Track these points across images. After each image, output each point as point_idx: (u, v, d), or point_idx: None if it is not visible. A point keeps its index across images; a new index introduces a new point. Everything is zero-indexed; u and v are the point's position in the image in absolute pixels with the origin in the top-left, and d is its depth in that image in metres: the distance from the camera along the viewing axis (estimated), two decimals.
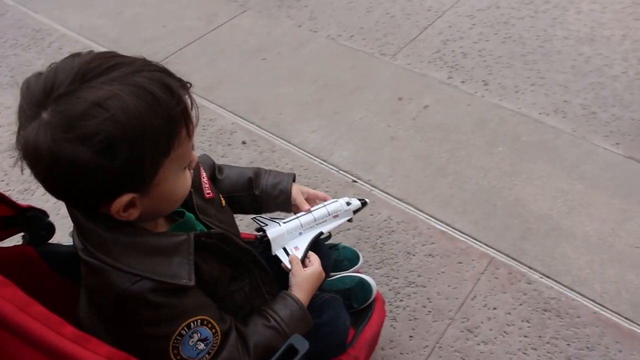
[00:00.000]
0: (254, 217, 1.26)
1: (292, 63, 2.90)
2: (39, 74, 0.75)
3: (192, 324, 0.87)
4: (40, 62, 3.02)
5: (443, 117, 2.51)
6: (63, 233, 1.15)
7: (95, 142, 0.71)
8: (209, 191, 1.11)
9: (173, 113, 0.77)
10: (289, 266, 1.15)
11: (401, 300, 1.84)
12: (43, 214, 1.07)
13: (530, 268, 1.91)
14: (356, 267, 1.70)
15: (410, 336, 1.75)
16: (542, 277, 1.88)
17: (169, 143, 0.78)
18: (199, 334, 0.87)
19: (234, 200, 1.26)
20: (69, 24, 3.31)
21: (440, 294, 1.85)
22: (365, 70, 2.82)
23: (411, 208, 2.13)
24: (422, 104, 2.58)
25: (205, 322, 0.88)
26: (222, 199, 1.16)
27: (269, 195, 1.27)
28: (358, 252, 1.74)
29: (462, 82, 2.71)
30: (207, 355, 0.89)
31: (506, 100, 2.58)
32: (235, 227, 1.18)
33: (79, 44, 3.14)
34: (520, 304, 1.82)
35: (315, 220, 1.23)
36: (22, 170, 0.79)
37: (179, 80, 0.81)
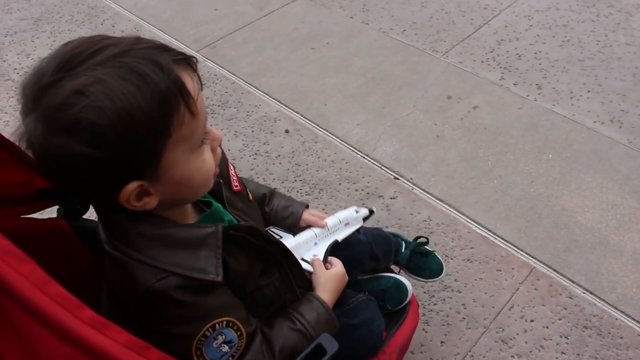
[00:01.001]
0: (268, 229, 1.24)
1: (341, 54, 2.86)
2: (34, 69, 0.71)
3: (217, 325, 0.83)
4: None
5: (492, 119, 2.44)
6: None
7: (78, 132, 0.67)
8: (237, 184, 1.07)
9: (165, 91, 0.70)
10: (311, 269, 1.14)
11: (435, 304, 1.79)
12: None
13: (573, 282, 1.84)
14: (435, 279, 1.73)
15: (442, 342, 1.70)
16: (584, 292, 1.81)
17: (165, 123, 0.71)
18: (223, 336, 0.84)
19: None
20: (123, 3, 3.35)
21: (476, 301, 1.80)
22: (416, 66, 2.76)
23: (452, 210, 2.07)
24: (472, 104, 2.51)
25: (230, 324, 0.85)
26: (249, 193, 1.13)
27: (279, 215, 1.25)
28: (444, 266, 1.73)
29: (515, 84, 2.62)
30: (230, 358, 0.86)
31: (559, 106, 2.49)
32: (261, 222, 1.16)
33: (131, 23, 3.17)
34: (560, 319, 1.75)
35: (328, 229, 1.24)
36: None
37: (177, 54, 0.74)
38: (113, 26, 3.14)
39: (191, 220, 0.93)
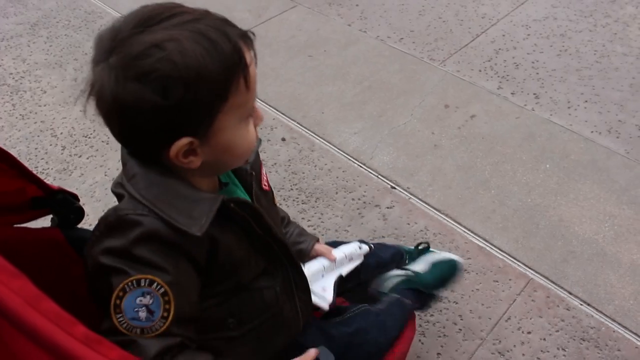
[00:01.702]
0: None
1: (339, 62, 2.85)
2: (111, 25, 0.78)
3: (155, 283, 0.78)
4: (89, 43, 3.04)
5: (490, 128, 2.43)
6: (95, 216, 1.13)
7: (150, 80, 0.73)
8: (266, 184, 1.10)
9: (230, 59, 0.76)
10: (320, 304, 1.18)
11: (431, 315, 1.77)
12: (73, 197, 1.06)
13: (570, 293, 1.82)
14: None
15: (438, 353, 1.69)
16: (582, 304, 1.80)
17: (225, 87, 0.77)
18: (151, 301, 0.78)
19: None
20: (120, 8, 3.33)
21: (472, 312, 1.78)
22: (413, 74, 2.75)
23: (449, 220, 2.06)
24: (469, 114, 2.51)
25: (166, 298, 0.79)
26: (274, 197, 1.15)
27: (292, 239, 1.27)
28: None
29: (512, 93, 2.62)
30: (137, 330, 0.78)
31: (557, 116, 2.49)
32: (280, 227, 1.16)
33: None
34: (557, 331, 1.74)
35: (335, 263, 1.27)
36: (84, 110, 0.82)
37: (240, 30, 0.80)
38: None
39: (208, 189, 0.94)
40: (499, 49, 2.90)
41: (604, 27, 3.02)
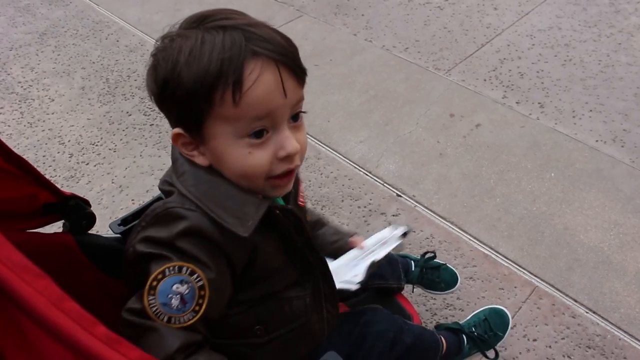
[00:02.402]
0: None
1: (345, 71, 2.87)
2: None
3: (194, 272, 0.79)
4: (96, 52, 3.08)
5: (495, 137, 2.44)
6: (102, 223, 1.15)
7: (153, 64, 0.83)
8: (302, 200, 1.09)
9: (218, 66, 0.76)
10: (352, 287, 1.15)
11: (438, 322, 1.78)
12: (85, 203, 1.07)
13: (576, 301, 1.83)
14: (452, 289, 1.74)
15: None
16: (587, 312, 1.80)
17: (209, 93, 0.77)
18: (187, 289, 0.78)
19: None
20: (127, 18, 3.37)
21: None
22: (418, 83, 2.77)
23: (455, 228, 2.07)
24: (474, 122, 2.52)
25: (202, 290, 0.79)
26: (307, 214, 1.14)
27: (327, 238, 1.26)
28: (458, 275, 1.75)
29: (517, 102, 2.63)
30: (165, 317, 0.78)
31: (562, 125, 2.50)
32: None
33: (135, 38, 3.19)
34: (563, 338, 1.74)
35: (366, 250, 1.23)
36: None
37: (272, 49, 0.79)
38: (117, 40, 3.16)
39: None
40: (504, 58, 2.92)
41: (608, 37, 3.04)
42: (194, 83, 0.77)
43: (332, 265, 1.19)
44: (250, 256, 0.87)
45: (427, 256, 1.69)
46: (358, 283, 1.20)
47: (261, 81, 0.77)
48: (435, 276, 1.70)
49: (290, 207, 0.94)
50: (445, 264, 1.74)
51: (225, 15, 0.81)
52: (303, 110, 0.88)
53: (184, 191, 0.84)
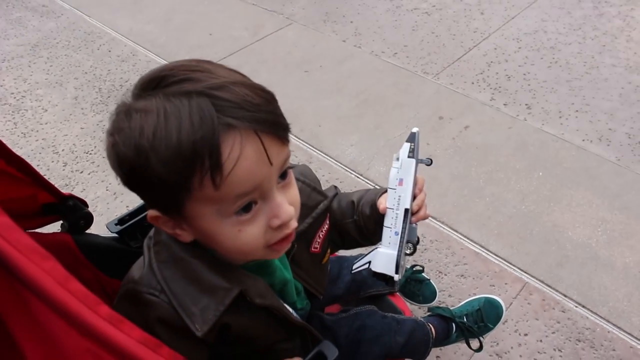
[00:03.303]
0: (352, 271, 1.08)
1: (335, 77, 2.91)
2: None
3: None
4: (89, 63, 3.10)
5: (483, 138, 2.48)
6: (97, 230, 1.17)
7: (112, 145, 0.71)
8: (317, 246, 1.02)
9: (191, 150, 0.64)
10: (396, 277, 1.00)
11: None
12: (83, 203, 1.10)
13: (565, 296, 1.86)
14: (428, 304, 1.77)
15: (437, 356, 1.72)
16: (577, 306, 1.83)
17: (184, 178, 0.66)
18: None
19: (343, 230, 1.13)
20: (119, 28, 3.40)
21: None
22: (407, 87, 2.81)
23: (445, 227, 2.10)
24: (463, 124, 2.56)
25: None
26: (327, 255, 1.08)
27: (364, 216, 1.09)
28: (437, 292, 1.79)
29: (505, 104, 2.68)
30: None
31: (549, 125, 2.54)
32: (322, 285, 1.10)
33: (127, 48, 3.22)
34: (553, 332, 1.77)
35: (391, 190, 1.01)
36: None
37: (251, 117, 0.67)
38: (109, 51, 3.19)
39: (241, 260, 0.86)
40: (491, 61, 2.97)
41: (593, 39, 3.09)
42: (166, 171, 0.66)
43: (380, 258, 1.01)
44: (221, 331, 0.83)
45: (415, 269, 1.73)
46: (397, 282, 1.03)
47: (243, 158, 0.67)
48: (417, 289, 1.75)
49: (259, 301, 0.83)
50: (429, 280, 1.78)
51: (186, 73, 0.68)
52: (290, 165, 0.79)
53: (154, 266, 0.80)
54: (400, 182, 1.00)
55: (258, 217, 0.74)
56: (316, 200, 1.01)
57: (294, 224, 0.78)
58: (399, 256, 0.98)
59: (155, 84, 0.69)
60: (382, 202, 1.02)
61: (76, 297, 0.51)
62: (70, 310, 0.50)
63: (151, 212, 0.76)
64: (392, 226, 0.99)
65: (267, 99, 0.73)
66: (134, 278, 0.82)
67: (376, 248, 1.02)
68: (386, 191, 1.02)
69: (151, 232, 0.87)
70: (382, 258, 1.00)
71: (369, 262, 1.02)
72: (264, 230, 0.75)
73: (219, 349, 0.88)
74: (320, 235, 1.02)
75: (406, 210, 0.99)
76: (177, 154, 0.65)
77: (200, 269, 0.79)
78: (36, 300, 0.51)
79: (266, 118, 0.69)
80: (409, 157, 1.01)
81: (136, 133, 0.66)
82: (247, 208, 0.72)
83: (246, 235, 0.74)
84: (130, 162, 0.68)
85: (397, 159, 1.01)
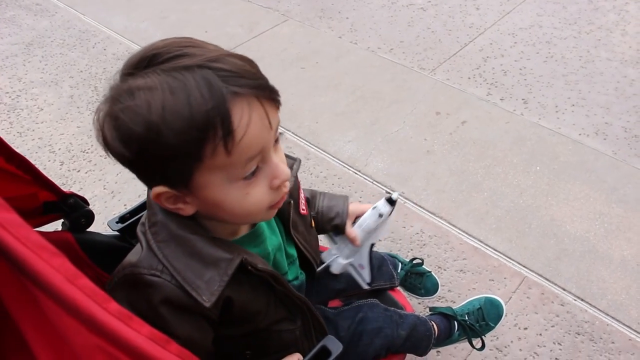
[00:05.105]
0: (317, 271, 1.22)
1: (331, 73, 2.91)
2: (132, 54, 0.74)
3: None
4: (84, 61, 3.09)
5: (480, 133, 2.49)
6: (97, 228, 1.17)
7: (116, 127, 0.70)
8: (304, 207, 1.06)
9: (204, 118, 0.67)
10: (363, 285, 1.26)
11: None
12: (84, 201, 1.09)
13: (564, 289, 1.87)
14: (431, 297, 1.75)
15: (438, 351, 1.72)
16: (576, 300, 1.84)
17: (197, 148, 0.69)
18: None
19: None
20: (114, 26, 3.39)
21: None
22: (404, 83, 2.81)
23: (444, 222, 2.11)
24: (460, 120, 2.57)
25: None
26: (312, 220, 1.13)
27: (325, 217, 1.20)
28: (439, 284, 1.77)
29: (501, 99, 2.68)
30: None
31: (545, 120, 2.55)
32: (317, 251, 1.15)
33: (122, 46, 3.21)
34: (553, 326, 1.78)
35: (365, 233, 1.21)
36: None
37: (251, 84, 0.71)
38: (104, 49, 3.18)
39: (233, 233, 0.90)
40: (487, 56, 2.97)
41: (588, 33, 3.10)
42: (179, 143, 0.68)
43: (338, 265, 1.24)
44: (224, 307, 0.85)
45: (414, 262, 1.73)
46: (368, 284, 1.27)
47: (252, 123, 0.71)
48: (418, 282, 1.73)
49: (262, 267, 0.87)
50: (430, 272, 1.77)
51: (180, 49, 0.71)
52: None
53: (154, 247, 0.81)
54: (380, 215, 1.19)
55: (260, 179, 0.79)
56: (290, 162, 1.03)
57: (289, 183, 0.84)
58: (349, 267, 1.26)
59: (147, 62, 0.70)
60: (351, 231, 1.20)
61: (86, 293, 0.50)
62: (81, 307, 0.50)
63: (156, 190, 0.76)
64: (353, 249, 1.23)
65: (257, 67, 0.77)
66: (132, 262, 0.82)
67: (337, 256, 1.24)
68: (347, 205, 1.23)
69: (143, 219, 0.87)
70: (338, 266, 1.24)
71: (329, 266, 1.24)
72: (268, 192, 0.80)
73: (222, 331, 0.89)
74: (302, 196, 1.07)
75: (372, 244, 1.24)
76: (190, 125, 0.67)
77: (200, 244, 0.81)
78: (46, 298, 0.50)
79: (263, 85, 0.74)
80: (389, 202, 1.19)
81: (144, 110, 0.67)
82: (254, 171, 0.77)
83: (252, 197, 0.78)
84: (139, 139, 0.69)
85: (380, 215, 1.18)
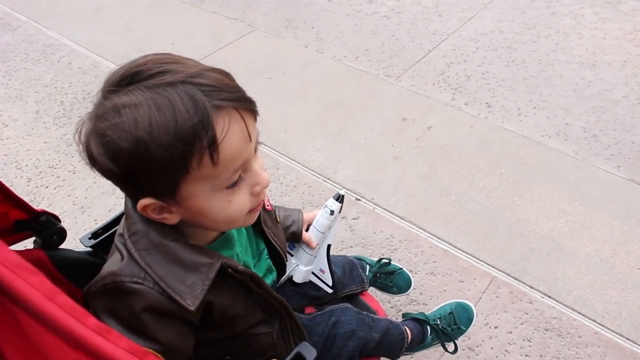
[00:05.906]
0: (278, 284, 1.26)
1: (298, 83, 2.94)
2: (112, 71, 0.77)
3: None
4: (49, 76, 3.06)
5: (446, 137, 2.54)
6: (67, 245, 1.17)
7: (103, 144, 0.73)
8: (269, 204, 1.11)
9: (190, 132, 0.70)
10: (327, 289, 1.33)
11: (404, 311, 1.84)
12: (55, 218, 1.09)
13: (532, 288, 1.92)
14: (404, 294, 1.78)
15: (412, 356, 1.75)
16: (543, 297, 1.89)
17: (184, 161, 0.72)
18: None
19: None
20: (79, 40, 3.37)
21: None
22: (370, 90, 2.86)
23: (413, 227, 2.14)
24: (426, 125, 2.61)
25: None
26: (277, 216, 1.17)
27: (282, 225, 1.25)
28: (412, 280, 1.79)
29: (466, 104, 2.74)
30: None
31: (509, 123, 2.62)
32: (285, 244, 1.18)
33: (88, 59, 3.19)
34: (522, 323, 1.83)
35: (320, 234, 1.28)
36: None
37: (231, 97, 0.74)
38: (70, 63, 3.16)
39: (208, 239, 0.93)
40: (451, 62, 3.03)
41: (547, 38, 3.19)
42: (166, 156, 0.71)
43: (300, 274, 1.30)
44: (205, 311, 0.87)
45: (382, 262, 1.75)
46: (331, 287, 1.34)
47: (233, 134, 0.74)
48: (389, 281, 1.75)
49: (242, 268, 0.90)
50: (401, 269, 1.79)
51: (161, 66, 0.74)
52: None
53: (135, 255, 0.82)
54: (329, 227, 1.27)
55: (242, 187, 0.82)
56: None
57: (266, 189, 0.88)
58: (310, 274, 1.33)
59: (129, 79, 0.73)
60: (306, 235, 1.28)
61: (65, 310, 0.52)
62: (60, 323, 0.51)
63: (142, 201, 0.78)
64: (314, 253, 1.30)
65: (234, 80, 0.80)
66: (112, 271, 0.83)
67: (297, 265, 1.30)
68: (301, 214, 1.31)
69: (120, 230, 0.89)
70: (300, 274, 1.30)
71: (292, 276, 1.31)
72: (249, 199, 0.84)
73: (202, 336, 0.91)
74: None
75: (329, 245, 1.30)
76: (177, 139, 0.70)
77: (181, 251, 0.84)
78: (24, 315, 0.51)
79: (243, 97, 0.77)
80: (337, 200, 1.26)
81: (131, 127, 0.70)
82: (236, 180, 0.80)
83: (235, 204, 0.82)
84: (127, 155, 0.72)
85: (332, 212, 1.25)
